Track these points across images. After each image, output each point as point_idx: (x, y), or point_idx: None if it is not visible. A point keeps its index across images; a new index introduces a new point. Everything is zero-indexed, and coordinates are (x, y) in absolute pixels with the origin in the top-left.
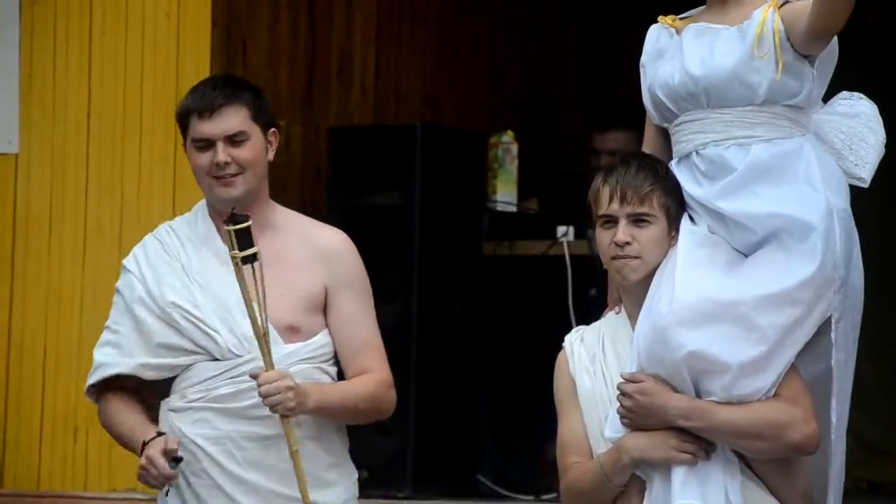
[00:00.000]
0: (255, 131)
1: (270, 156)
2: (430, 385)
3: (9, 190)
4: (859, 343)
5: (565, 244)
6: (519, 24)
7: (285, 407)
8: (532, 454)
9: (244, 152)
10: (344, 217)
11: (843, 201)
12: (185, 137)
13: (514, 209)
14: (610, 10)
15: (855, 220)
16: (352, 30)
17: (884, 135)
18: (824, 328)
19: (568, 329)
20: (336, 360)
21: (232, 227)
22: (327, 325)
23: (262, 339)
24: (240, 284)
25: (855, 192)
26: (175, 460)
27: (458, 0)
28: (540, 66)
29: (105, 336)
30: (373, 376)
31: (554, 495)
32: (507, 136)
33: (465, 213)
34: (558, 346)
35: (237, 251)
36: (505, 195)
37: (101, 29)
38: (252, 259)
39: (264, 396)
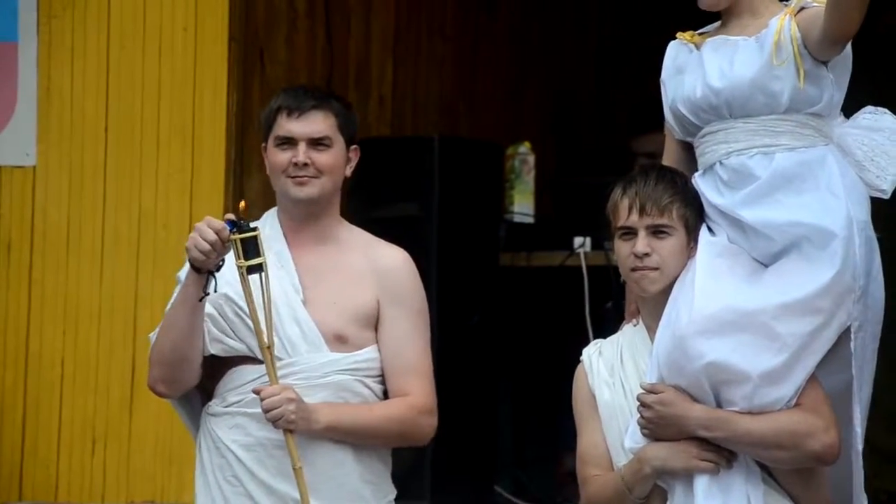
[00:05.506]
0: (338, 141)
1: (348, 171)
2: (448, 395)
3: (27, 202)
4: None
5: (582, 255)
6: (536, 35)
7: (286, 420)
8: (549, 465)
9: (325, 157)
10: (361, 228)
11: (864, 213)
12: (266, 138)
13: (531, 220)
14: (628, 20)
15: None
16: (369, 41)
17: None
18: (844, 339)
19: (585, 339)
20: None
21: (237, 236)
22: (378, 342)
23: (267, 351)
24: (245, 295)
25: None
26: (232, 222)
27: (475, 11)
28: (557, 76)
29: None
30: (407, 400)
31: None
32: (525, 147)
33: (482, 224)
34: (576, 356)
35: (243, 260)
36: (522, 206)
37: (118, 42)
38: (258, 269)
39: (266, 411)
